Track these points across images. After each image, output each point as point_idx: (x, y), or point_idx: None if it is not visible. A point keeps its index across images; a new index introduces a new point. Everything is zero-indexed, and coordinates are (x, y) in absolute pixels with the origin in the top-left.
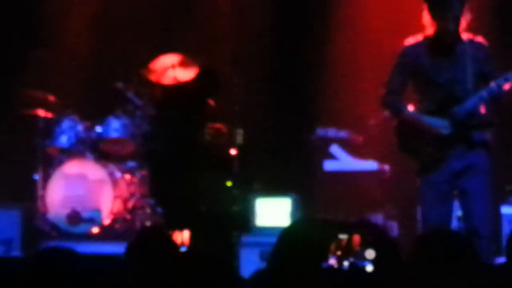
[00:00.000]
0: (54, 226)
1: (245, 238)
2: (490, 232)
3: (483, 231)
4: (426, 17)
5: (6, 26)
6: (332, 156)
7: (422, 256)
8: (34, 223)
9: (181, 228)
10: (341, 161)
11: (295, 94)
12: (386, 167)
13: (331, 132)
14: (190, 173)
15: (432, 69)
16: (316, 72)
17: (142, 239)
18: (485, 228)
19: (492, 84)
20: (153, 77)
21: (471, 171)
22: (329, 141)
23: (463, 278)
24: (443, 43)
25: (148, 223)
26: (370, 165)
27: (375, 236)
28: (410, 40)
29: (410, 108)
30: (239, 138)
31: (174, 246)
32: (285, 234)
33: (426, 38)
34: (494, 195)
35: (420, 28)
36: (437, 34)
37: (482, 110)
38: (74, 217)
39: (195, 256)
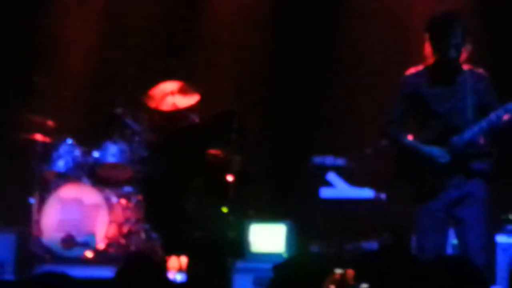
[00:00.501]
0: (48, 250)
1: (239, 264)
2: (484, 261)
3: (478, 260)
4: (428, 48)
5: (5, 51)
6: (328, 184)
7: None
8: (29, 246)
9: (178, 253)
10: (338, 188)
11: (293, 122)
12: (383, 195)
13: (328, 160)
14: (186, 198)
15: (432, 99)
16: (314, 100)
17: (129, 264)
18: (480, 257)
19: (492, 115)
20: (152, 104)
21: (468, 199)
22: (326, 168)
23: None
24: (444, 72)
25: (143, 248)
26: (366, 193)
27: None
28: (410, 70)
29: (410, 137)
30: (236, 165)
31: (162, 271)
32: (281, 268)
33: (427, 68)
34: (489, 225)
35: (421, 59)
36: (437, 63)
37: (481, 140)
38: (69, 241)
39: None
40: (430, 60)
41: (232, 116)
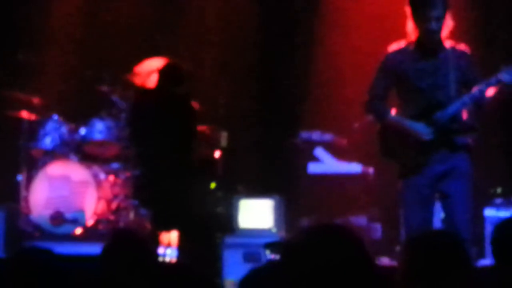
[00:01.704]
0: (37, 227)
1: (229, 240)
2: (471, 235)
3: (465, 234)
4: (410, 24)
5: None
6: (316, 159)
7: (412, 262)
8: (18, 224)
9: (168, 229)
10: (325, 163)
11: (280, 97)
12: (370, 170)
13: (316, 135)
14: (176, 175)
15: (414, 75)
16: (301, 75)
17: (116, 240)
18: (467, 230)
19: (475, 90)
20: (138, 81)
21: (453, 174)
22: (313, 144)
23: (459, 284)
24: (426, 47)
25: (131, 224)
26: (354, 167)
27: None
28: (393, 46)
29: (393, 112)
30: (223, 141)
31: (149, 247)
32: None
33: (409, 44)
34: (475, 198)
35: (405, 36)
36: (420, 38)
37: (464, 115)
38: (58, 218)
39: (180, 270)
40: (413, 36)
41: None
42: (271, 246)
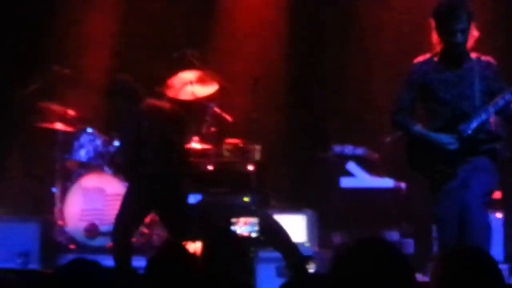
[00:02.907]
0: (72, 239)
1: (262, 254)
2: (484, 222)
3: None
4: (435, 35)
5: (28, 42)
6: (348, 173)
7: (445, 277)
8: (52, 236)
9: (195, 239)
10: (358, 178)
11: (313, 111)
12: (403, 185)
13: (348, 149)
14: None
15: (439, 86)
16: (333, 88)
17: (163, 253)
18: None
19: (499, 99)
20: (171, 93)
21: (476, 171)
22: (345, 158)
23: None
24: (451, 59)
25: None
26: (386, 182)
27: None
28: (418, 58)
29: (419, 126)
30: (257, 154)
31: (196, 261)
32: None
33: (434, 55)
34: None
35: (432, 48)
36: (444, 49)
37: (490, 125)
38: (92, 230)
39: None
40: (438, 47)
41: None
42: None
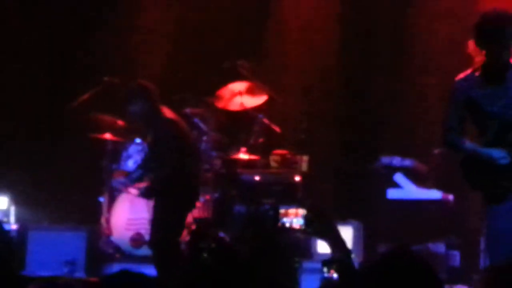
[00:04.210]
0: (117, 248)
1: (306, 264)
2: None
3: None
4: (472, 45)
5: (75, 52)
6: (396, 185)
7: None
8: (99, 245)
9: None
10: (405, 189)
11: (360, 122)
12: (450, 197)
13: (396, 160)
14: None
15: (484, 100)
16: (382, 100)
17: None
18: None
19: None
20: (220, 104)
21: None
22: (393, 169)
23: None
24: (493, 72)
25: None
26: (434, 194)
27: None
28: (459, 75)
29: (469, 142)
30: (304, 165)
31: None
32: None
33: (475, 70)
34: None
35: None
36: (487, 63)
37: None
38: (138, 239)
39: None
40: (477, 59)
41: None
42: (329, 263)
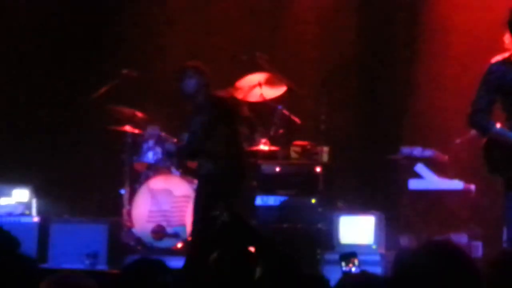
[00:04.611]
0: (139, 241)
1: (329, 256)
2: None
3: None
4: (508, 39)
5: (96, 45)
6: (417, 175)
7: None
8: (120, 237)
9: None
10: (426, 180)
11: (381, 113)
12: (472, 187)
13: (417, 151)
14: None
15: None
16: (402, 90)
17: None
18: None
19: None
20: (239, 95)
21: None
22: (414, 160)
23: None
24: None
25: None
26: (455, 184)
27: None
28: (496, 58)
29: (498, 125)
30: (325, 156)
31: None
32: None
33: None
34: None
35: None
36: None
37: None
38: (159, 232)
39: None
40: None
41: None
42: (346, 257)
